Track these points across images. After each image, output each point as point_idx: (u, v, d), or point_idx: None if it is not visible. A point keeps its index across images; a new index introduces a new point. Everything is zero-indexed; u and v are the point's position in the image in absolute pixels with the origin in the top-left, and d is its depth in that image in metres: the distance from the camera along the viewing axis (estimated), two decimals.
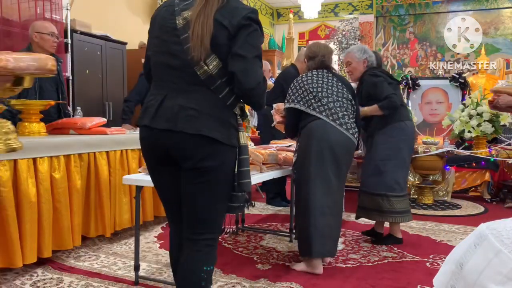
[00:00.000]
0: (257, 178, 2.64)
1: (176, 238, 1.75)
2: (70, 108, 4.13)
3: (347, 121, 2.63)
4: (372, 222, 3.38)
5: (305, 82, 2.69)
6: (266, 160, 2.80)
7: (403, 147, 3.06)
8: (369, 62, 3.16)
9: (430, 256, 2.93)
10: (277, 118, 3.05)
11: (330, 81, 2.70)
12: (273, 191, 4.67)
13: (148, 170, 1.72)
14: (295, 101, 2.68)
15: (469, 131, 4.87)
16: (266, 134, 4.44)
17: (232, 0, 1.55)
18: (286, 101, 2.77)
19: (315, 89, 2.65)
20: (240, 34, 1.50)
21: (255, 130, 5.57)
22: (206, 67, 1.49)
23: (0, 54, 1.88)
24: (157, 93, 1.58)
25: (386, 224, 3.23)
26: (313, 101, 2.62)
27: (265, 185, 4.71)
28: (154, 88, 1.61)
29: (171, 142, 1.52)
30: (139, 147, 3.26)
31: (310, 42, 2.43)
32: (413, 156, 4.65)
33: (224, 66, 1.52)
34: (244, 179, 1.63)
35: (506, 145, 5.12)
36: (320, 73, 2.74)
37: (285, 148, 3.25)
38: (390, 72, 5.75)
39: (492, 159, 4.80)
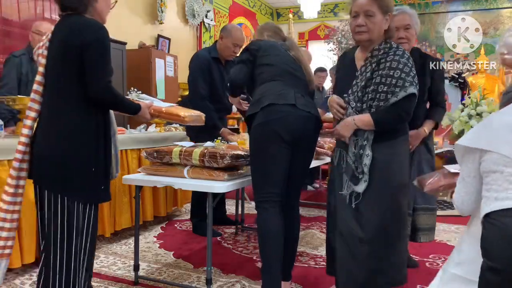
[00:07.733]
0: None
1: (281, 216, 2.10)
2: None
3: None
4: None
5: None
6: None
7: None
8: None
9: (430, 256, 2.94)
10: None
11: None
12: (199, 214, 3.36)
13: (275, 148, 2.05)
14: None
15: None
16: None
17: None
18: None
19: None
20: None
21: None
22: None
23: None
24: (285, 87, 2.14)
25: None
26: None
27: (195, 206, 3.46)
28: (278, 83, 2.15)
29: (307, 120, 2.10)
30: (139, 147, 3.29)
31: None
32: None
33: None
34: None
35: None
36: None
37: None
38: None
39: None
